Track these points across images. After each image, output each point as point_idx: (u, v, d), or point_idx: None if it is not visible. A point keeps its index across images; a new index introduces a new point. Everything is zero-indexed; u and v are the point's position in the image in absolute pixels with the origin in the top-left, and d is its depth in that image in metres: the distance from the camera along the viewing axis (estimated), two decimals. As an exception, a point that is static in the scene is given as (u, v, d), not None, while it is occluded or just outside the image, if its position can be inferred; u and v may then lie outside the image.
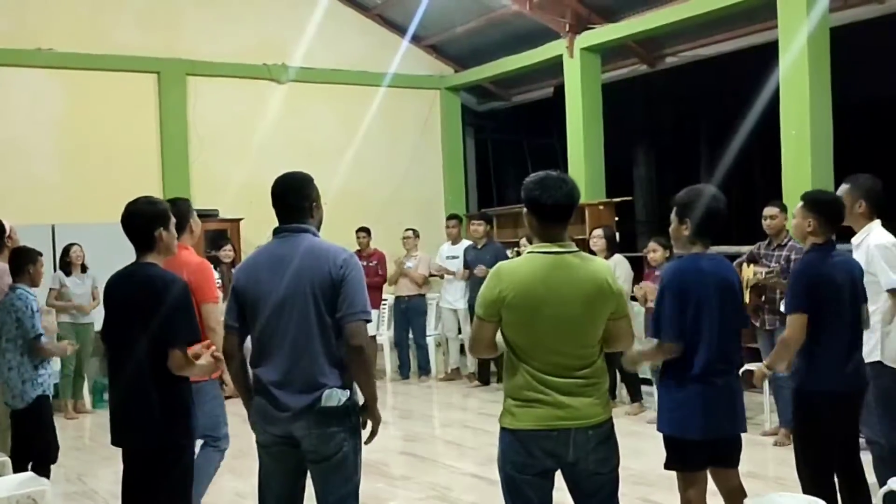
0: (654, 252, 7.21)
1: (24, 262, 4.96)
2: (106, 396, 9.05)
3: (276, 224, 11.48)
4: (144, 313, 3.48)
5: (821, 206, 3.94)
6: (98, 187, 10.06)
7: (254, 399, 3.32)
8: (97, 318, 8.71)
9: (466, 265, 9.44)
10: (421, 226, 10.71)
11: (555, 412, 3.00)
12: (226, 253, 9.19)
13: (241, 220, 10.53)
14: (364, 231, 10.06)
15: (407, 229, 10.11)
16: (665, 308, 3.54)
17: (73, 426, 8.27)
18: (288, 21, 11.41)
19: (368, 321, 3.25)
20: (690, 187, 3.71)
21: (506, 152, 14.41)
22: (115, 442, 3.67)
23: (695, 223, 3.57)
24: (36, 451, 4.81)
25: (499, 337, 3.15)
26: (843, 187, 4.36)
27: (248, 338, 3.38)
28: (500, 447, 3.13)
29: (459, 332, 9.62)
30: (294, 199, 3.37)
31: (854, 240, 4.38)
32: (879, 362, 4.31)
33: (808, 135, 7.85)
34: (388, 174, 11.90)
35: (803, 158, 7.87)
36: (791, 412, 4.17)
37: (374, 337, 9.66)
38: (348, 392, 3.24)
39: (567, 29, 10.34)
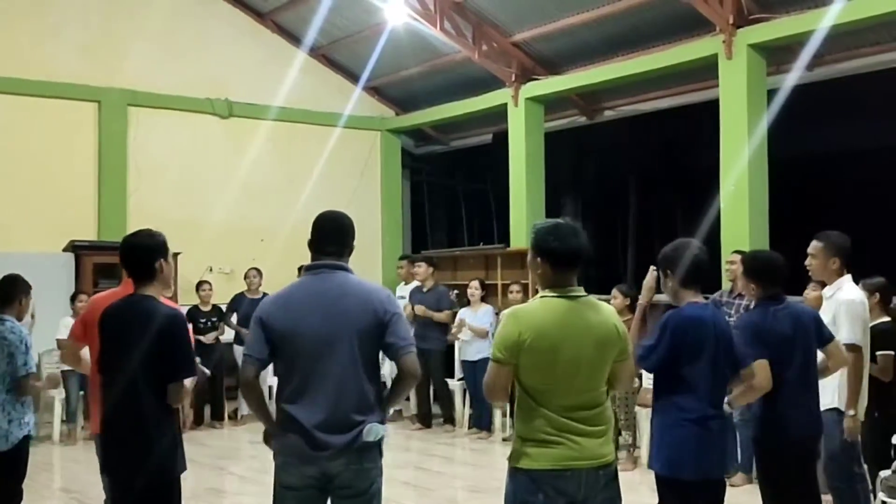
0: (615, 299, 7.40)
1: (16, 291, 4.64)
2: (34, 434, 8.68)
3: (217, 260, 11.20)
4: (144, 345, 3.47)
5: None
6: (31, 216, 9.77)
7: (286, 438, 3.24)
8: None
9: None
10: (357, 267, 10.63)
11: (569, 452, 3.07)
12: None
13: (178, 254, 10.28)
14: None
15: None
16: (659, 344, 3.66)
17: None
18: (232, 57, 11.40)
19: (415, 350, 3.34)
20: (675, 241, 3.86)
21: (440, 196, 14.58)
22: (106, 470, 3.63)
23: (680, 274, 3.72)
24: (6, 496, 4.50)
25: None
26: (817, 245, 4.62)
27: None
28: (510, 487, 3.15)
29: (403, 373, 9.61)
30: (341, 238, 3.40)
31: (826, 291, 4.66)
32: (836, 409, 4.58)
33: (746, 190, 8.26)
34: (327, 213, 11.85)
35: (741, 212, 8.28)
36: (755, 460, 4.33)
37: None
38: (386, 426, 3.28)
39: (513, 79, 10.64)
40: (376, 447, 3.24)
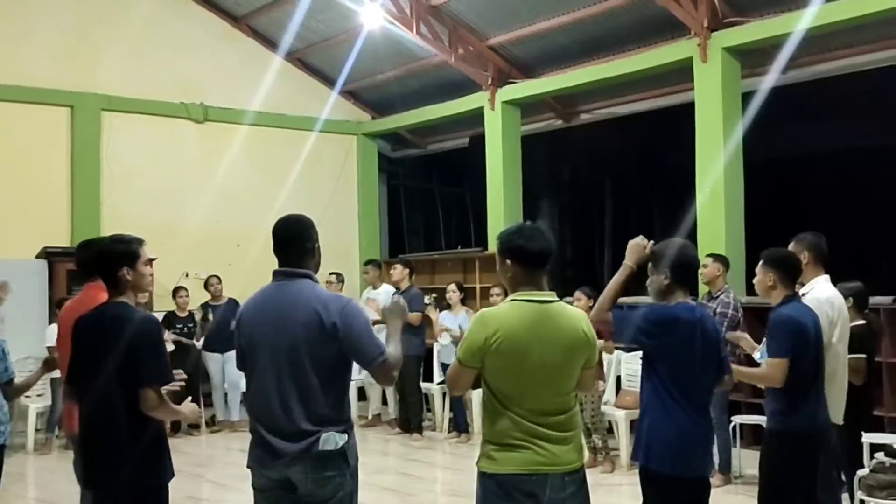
0: (578, 301, 7.36)
1: None
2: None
3: (193, 265, 11.07)
4: (114, 353, 3.43)
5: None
6: (3, 222, 9.66)
7: (252, 443, 3.29)
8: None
9: None
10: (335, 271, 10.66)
11: (535, 457, 3.07)
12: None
13: (153, 260, 10.16)
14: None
15: (331, 273, 10.01)
16: (640, 326, 3.63)
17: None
18: (207, 61, 11.32)
19: (385, 360, 3.21)
20: (665, 241, 3.83)
21: (417, 200, 14.55)
22: (86, 485, 3.59)
23: (667, 272, 3.67)
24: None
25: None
26: (791, 244, 4.67)
27: None
28: (480, 492, 3.16)
29: (381, 378, 9.56)
30: (297, 242, 3.35)
31: (802, 291, 4.69)
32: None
33: (722, 192, 8.31)
34: (304, 218, 11.78)
35: (717, 215, 8.32)
36: (766, 456, 4.33)
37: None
38: (346, 436, 3.22)
39: (489, 82, 10.64)
40: (339, 456, 3.18)
